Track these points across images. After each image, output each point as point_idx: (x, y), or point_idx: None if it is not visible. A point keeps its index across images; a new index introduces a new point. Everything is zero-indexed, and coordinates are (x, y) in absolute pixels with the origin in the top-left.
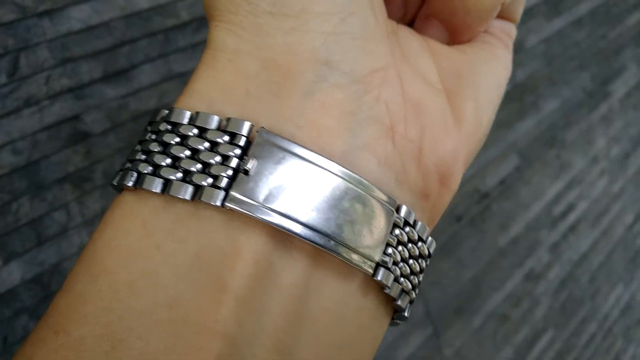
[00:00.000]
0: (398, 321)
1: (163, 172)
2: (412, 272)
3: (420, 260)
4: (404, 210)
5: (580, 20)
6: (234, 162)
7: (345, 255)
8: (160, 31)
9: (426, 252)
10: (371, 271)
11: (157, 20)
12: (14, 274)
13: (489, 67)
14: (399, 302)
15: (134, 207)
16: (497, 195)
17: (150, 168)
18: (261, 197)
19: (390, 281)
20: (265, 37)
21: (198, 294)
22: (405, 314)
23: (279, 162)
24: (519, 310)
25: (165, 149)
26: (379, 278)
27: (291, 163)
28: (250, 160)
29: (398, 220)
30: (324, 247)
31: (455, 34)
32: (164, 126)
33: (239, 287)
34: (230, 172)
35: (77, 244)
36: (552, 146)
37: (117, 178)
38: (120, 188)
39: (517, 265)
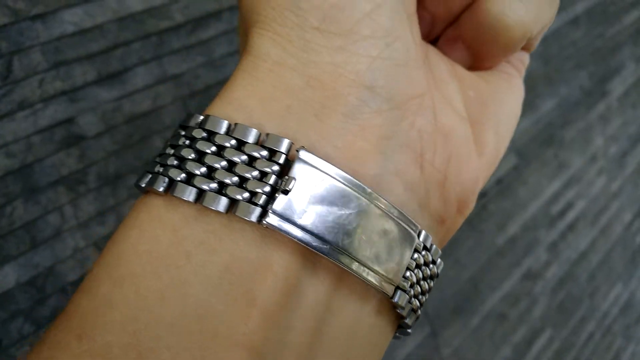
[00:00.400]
0: (400, 336)
1: (197, 182)
2: (422, 292)
3: (429, 281)
4: (423, 235)
5: (576, 20)
6: (272, 180)
7: (370, 278)
8: (154, 33)
9: (436, 272)
10: (391, 293)
11: (150, 23)
12: (8, 276)
13: (509, 98)
14: (407, 320)
15: (163, 212)
16: (495, 194)
17: (184, 175)
18: (298, 218)
19: (405, 302)
20: (311, 53)
21: (228, 306)
22: (409, 330)
23: (317, 184)
24: (517, 309)
25: (200, 157)
26: (396, 300)
27: (329, 186)
28: (291, 181)
29: (418, 245)
30: (353, 271)
31: (479, 61)
32: (199, 133)
33: (268, 302)
34: (267, 189)
35: (71, 247)
36: (550, 145)
37: (146, 180)
38: (145, 190)
39: (515, 264)
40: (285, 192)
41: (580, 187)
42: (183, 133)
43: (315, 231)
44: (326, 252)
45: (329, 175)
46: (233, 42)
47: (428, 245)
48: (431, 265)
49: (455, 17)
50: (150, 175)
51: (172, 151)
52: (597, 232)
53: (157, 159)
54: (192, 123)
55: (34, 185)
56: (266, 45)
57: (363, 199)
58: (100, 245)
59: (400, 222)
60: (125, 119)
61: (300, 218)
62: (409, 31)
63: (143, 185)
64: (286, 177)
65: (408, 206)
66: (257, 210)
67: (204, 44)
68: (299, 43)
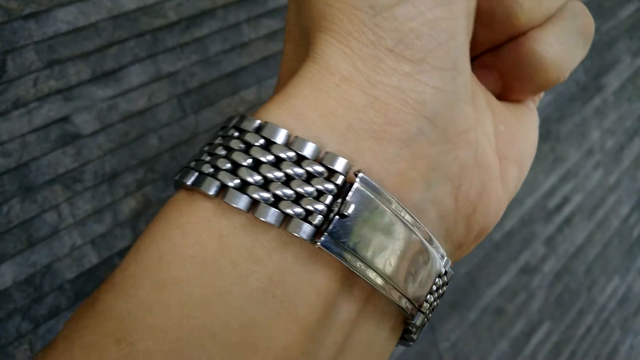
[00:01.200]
0: (402, 345)
1: (250, 191)
2: (432, 309)
3: (438, 300)
4: (444, 261)
5: None
6: (327, 200)
7: (402, 302)
8: (148, 31)
9: (445, 291)
10: (414, 316)
11: (144, 21)
12: (5, 275)
13: (531, 133)
14: (413, 335)
15: (211, 217)
16: None
17: (238, 181)
18: (351, 243)
19: (420, 323)
20: (380, 74)
21: (270, 319)
22: (411, 343)
23: (372, 212)
24: (514, 303)
25: (256, 165)
26: (414, 321)
27: (381, 213)
28: (350, 205)
29: (441, 271)
30: (392, 298)
31: (508, 92)
32: (255, 139)
33: (308, 319)
34: (322, 208)
35: (68, 245)
36: (546, 140)
37: (192, 179)
38: (182, 187)
39: (512, 259)
40: (342, 216)
41: (577, 181)
42: (237, 135)
43: (366, 259)
44: (374, 280)
45: (385, 204)
46: (227, 40)
47: (447, 270)
48: (444, 287)
49: (496, 46)
50: (196, 174)
51: (224, 152)
52: (594, 225)
53: (207, 159)
54: (247, 126)
55: (30, 184)
56: (336, 58)
57: (408, 227)
58: (98, 242)
59: (433, 250)
60: (120, 117)
61: (353, 244)
62: (468, 64)
63: (189, 184)
64: (344, 200)
65: (438, 233)
66: (310, 229)
67: (198, 42)
68: (371, 62)
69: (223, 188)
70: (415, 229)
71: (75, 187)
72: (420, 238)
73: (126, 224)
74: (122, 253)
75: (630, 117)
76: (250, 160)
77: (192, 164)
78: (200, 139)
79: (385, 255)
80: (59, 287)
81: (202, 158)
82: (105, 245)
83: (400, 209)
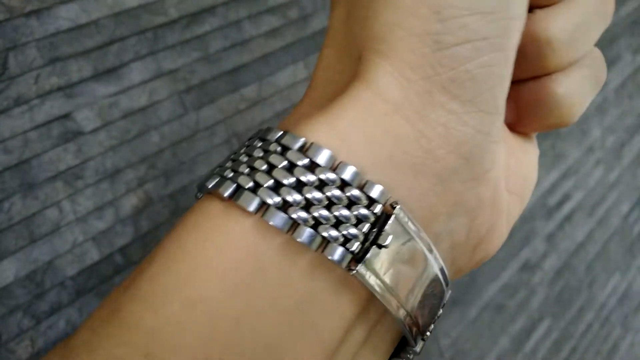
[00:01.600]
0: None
1: (291, 212)
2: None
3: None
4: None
5: None
6: (365, 228)
7: (413, 330)
8: (149, 29)
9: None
10: (417, 344)
11: (145, 18)
12: (7, 271)
13: (534, 167)
14: (410, 355)
15: (248, 234)
16: None
17: (279, 200)
18: (383, 273)
19: (420, 348)
20: (429, 108)
21: (296, 339)
22: None
23: (404, 244)
24: (515, 300)
25: (298, 184)
26: (414, 348)
27: (412, 247)
28: (387, 237)
29: (445, 299)
30: (405, 327)
31: (518, 126)
32: (298, 157)
33: (331, 340)
34: (360, 235)
35: (70, 242)
36: (547, 137)
37: (230, 190)
38: (214, 195)
39: (512, 255)
40: (379, 247)
41: (578, 179)
42: (279, 150)
43: (391, 287)
44: (394, 307)
45: (412, 235)
46: (228, 37)
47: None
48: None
49: (517, 80)
50: (234, 185)
51: (264, 167)
52: (594, 222)
53: (246, 171)
54: (290, 143)
55: (32, 181)
56: (390, 87)
57: (430, 260)
58: (99, 239)
59: (445, 283)
60: (121, 114)
61: (384, 274)
62: (504, 107)
63: (226, 195)
64: (382, 230)
65: (445, 262)
66: (347, 255)
67: (199, 39)
68: (423, 96)
69: (263, 205)
70: (436, 260)
71: (77, 183)
72: (437, 269)
73: (127, 220)
74: (124, 250)
75: (631, 114)
76: (292, 180)
77: (229, 173)
78: (200, 136)
79: (408, 286)
80: (61, 284)
81: (240, 170)
82: (107, 242)
83: (427, 241)
